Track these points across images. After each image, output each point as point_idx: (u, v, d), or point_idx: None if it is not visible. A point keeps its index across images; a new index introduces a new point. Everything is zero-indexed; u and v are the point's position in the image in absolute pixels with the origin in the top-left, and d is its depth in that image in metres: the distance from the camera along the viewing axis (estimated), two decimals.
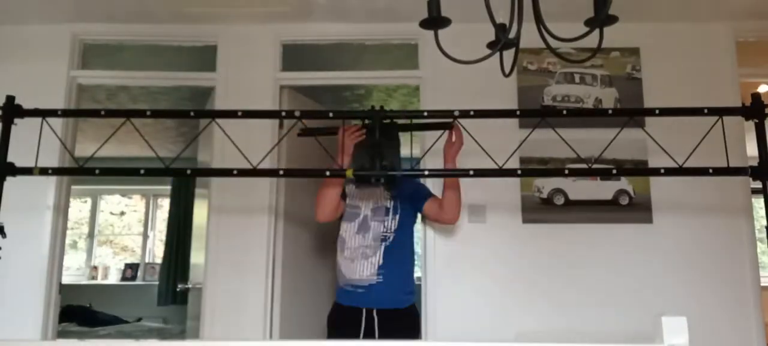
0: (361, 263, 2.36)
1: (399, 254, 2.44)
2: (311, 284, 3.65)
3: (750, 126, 2.09)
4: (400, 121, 2.35)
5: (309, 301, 3.64)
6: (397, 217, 2.45)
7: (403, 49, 3.37)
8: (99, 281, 6.81)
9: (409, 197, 2.52)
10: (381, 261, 2.37)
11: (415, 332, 2.47)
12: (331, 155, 2.22)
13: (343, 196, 2.46)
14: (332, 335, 2.41)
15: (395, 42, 3.31)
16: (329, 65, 3.45)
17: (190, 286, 3.48)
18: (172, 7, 3.00)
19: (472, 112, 2.12)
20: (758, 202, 2.25)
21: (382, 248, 2.39)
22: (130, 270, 6.84)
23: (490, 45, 1.32)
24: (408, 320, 2.42)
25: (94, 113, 2.12)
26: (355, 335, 2.31)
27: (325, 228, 3.71)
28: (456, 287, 2.93)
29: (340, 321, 2.40)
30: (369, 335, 2.31)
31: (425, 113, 2.15)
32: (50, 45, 3.17)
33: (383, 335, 2.31)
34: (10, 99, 2.12)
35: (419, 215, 2.60)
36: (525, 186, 2.98)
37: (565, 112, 2.29)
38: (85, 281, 6.78)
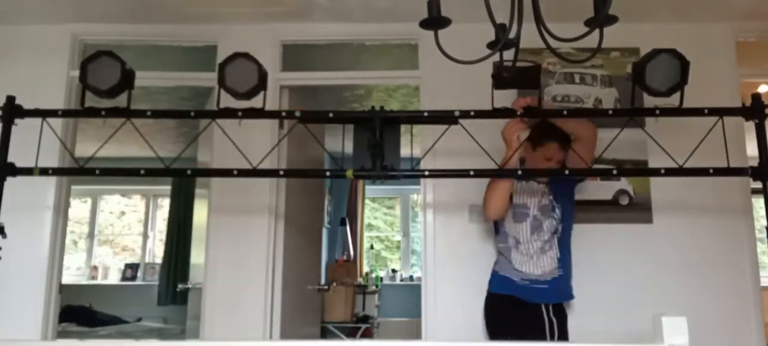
0: (541, 258, 2.44)
1: (568, 244, 2.54)
2: (310, 284, 3.66)
3: (750, 126, 2.09)
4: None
5: (309, 301, 3.65)
6: (559, 207, 2.51)
7: (403, 49, 3.37)
8: (99, 281, 6.81)
9: (562, 187, 2.58)
10: (559, 254, 2.47)
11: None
12: (331, 155, 2.22)
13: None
14: (504, 331, 2.47)
15: (395, 42, 3.31)
16: (329, 65, 3.45)
17: (190, 286, 3.48)
18: (172, 7, 3.01)
19: (472, 113, 2.12)
20: (758, 202, 2.25)
21: (555, 240, 2.48)
22: (130, 270, 6.84)
23: (490, 45, 1.32)
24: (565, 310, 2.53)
25: (94, 113, 2.12)
26: (538, 331, 2.37)
27: (320, 228, 3.72)
28: (456, 287, 2.93)
29: (519, 317, 2.43)
30: (550, 329, 2.38)
31: (425, 113, 2.15)
32: (50, 45, 3.17)
33: (560, 328, 2.40)
34: (10, 99, 2.12)
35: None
36: None
37: (565, 112, 2.29)
38: (85, 281, 6.78)
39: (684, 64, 1.90)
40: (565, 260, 2.49)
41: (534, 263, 2.44)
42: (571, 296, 2.55)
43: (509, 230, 2.53)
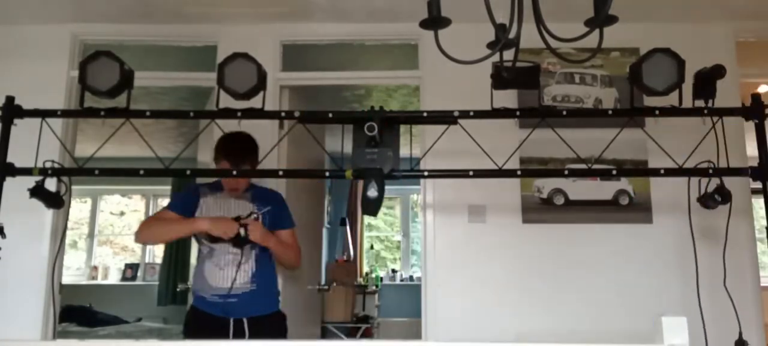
0: (232, 270, 2.31)
1: (269, 261, 2.45)
2: (310, 284, 3.65)
3: (750, 126, 2.10)
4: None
5: (309, 301, 3.65)
6: (266, 226, 2.40)
7: (403, 49, 3.37)
8: (99, 281, 6.81)
9: (272, 213, 2.47)
10: (254, 268, 2.35)
11: (283, 333, 2.48)
12: (330, 155, 2.22)
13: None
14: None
15: (395, 42, 3.31)
16: (329, 65, 3.45)
17: (190, 286, 3.47)
18: (172, 7, 3.00)
19: (471, 113, 2.12)
20: (758, 202, 2.25)
21: (253, 256, 2.37)
22: (130, 270, 6.84)
23: (490, 45, 1.31)
24: (277, 322, 2.46)
25: (93, 113, 2.12)
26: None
27: (320, 228, 3.72)
28: (456, 287, 2.93)
29: (202, 329, 2.34)
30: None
31: (425, 114, 2.15)
32: (50, 45, 3.17)
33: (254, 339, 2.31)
34: (10, 99, 2.12)
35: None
36: (525, 186, 2.98)
37: (565, 112, 2.29)
38: (85, 281, 6.78)
39: (680, 63, 1.91)
40: (261, 276, 2.37)
41: (223, 274, 2.31)
42: (273, 307, 2.46)
43: (204, 241, 2.41)
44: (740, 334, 2.27)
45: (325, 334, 5.31)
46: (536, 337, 2.83)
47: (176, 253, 6.33)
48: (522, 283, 2.91)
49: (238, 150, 2.36)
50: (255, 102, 2.04)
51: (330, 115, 2.06)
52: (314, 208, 3.86)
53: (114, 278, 6.90)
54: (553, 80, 3.08)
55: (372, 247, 7.43)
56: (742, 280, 2.88)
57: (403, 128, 2.10)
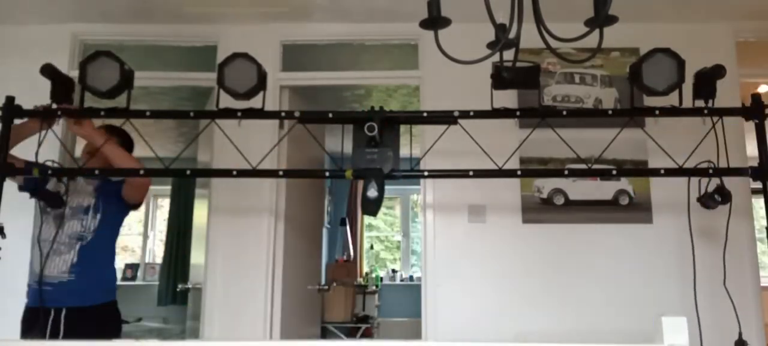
0: (52, 259, 2.28)
1: (97, 253, 2.41)
2: (310, 284, 3.65)
3: (750, 126, 2.10)
4: None
5: (309, 301, 3.65)
6: (99, 216, 2.39)
7: (403, 49, 3.37)
8: None
9: (114, 192, 2.46)
10: (75, 259, 2.31)
11: (112, 327, 2.37)
12: (330, 155, 2.22)
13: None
14: (24, 336, 2.30)
15: (395, 42, 3.31)
16: (329, 65, 3.45)
17: (190, 286, 3.48)
18: (172, 7, 3.00)
19: (472, 113, 2.12)
20: (758, 202, 2.25)
21: (78, 246, 2.33)
22: (130, 270, 6.84)
23: (490, 45, 1.32)
24: (102, 316, 2.35)
25: (93, 113, 2.12)
26: (42, 336, 2.21)
27: (320, 228, 3.71)
28: (456, 287, 2.93)
29: (28, 322, 2.31)
30: (54, 335, 2.21)
31: (425, 114, 2.15)
32: (50, 45, 3.17)
33: (69, 334, 2.21)
34: (10, 99, 2.12)
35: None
36: (525, 186, 2.98)
37: (565, 112, 2.29)
38: None
39: (680, 63, 1.91)
40: (83, 268, 2.32)
41: (45, 263, 2.25)
42: (96, 300, 2.35)
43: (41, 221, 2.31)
44: (740, 334, 2.27)
45: (325, 334, 5.31)
46: (536, 337, 2.83)
47: (176, 253, 6.34)
48: (522, 283, 2.91)
49: None
50: (255, 102, 2.04)
51: (330, 115, 2.07)
52: (314, 208, 3.86)
53: None
54: (553, 80, 3.07)
55: (372, 247, 7.43)
56: (742, 280, 2.88)
57: (403, 128, 2.10)
